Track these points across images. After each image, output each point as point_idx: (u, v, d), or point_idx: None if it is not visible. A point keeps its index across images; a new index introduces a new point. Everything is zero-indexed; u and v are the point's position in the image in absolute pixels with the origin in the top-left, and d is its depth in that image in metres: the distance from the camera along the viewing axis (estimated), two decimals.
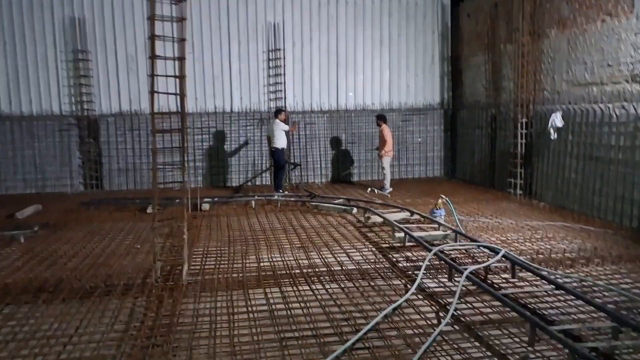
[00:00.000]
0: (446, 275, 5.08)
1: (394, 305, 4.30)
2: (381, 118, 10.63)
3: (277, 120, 10.13)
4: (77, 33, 10.79)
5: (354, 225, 7.60)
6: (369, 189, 10.71)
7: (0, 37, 10.59)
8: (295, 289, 4.82)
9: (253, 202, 9.05)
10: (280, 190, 10.26)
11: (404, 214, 7.83)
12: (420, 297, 4.61)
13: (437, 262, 5.39)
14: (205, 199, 9.04)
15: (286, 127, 10.21)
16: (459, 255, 5.86)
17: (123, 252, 6.07)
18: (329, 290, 4.79)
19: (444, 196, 7.46)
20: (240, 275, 5.22)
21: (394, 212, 8.03)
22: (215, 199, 9.25)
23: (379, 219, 7.49)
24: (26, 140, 10.71)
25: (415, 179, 12.47)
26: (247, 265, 5.61)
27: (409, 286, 4.80)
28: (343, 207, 8.51)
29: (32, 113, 10.79)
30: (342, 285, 4.90)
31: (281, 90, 11.83)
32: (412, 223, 7.54)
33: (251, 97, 11.85)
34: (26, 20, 10.65)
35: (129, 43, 11.14)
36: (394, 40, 12.36)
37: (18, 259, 5.80)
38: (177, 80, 4.98)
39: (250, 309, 4.32)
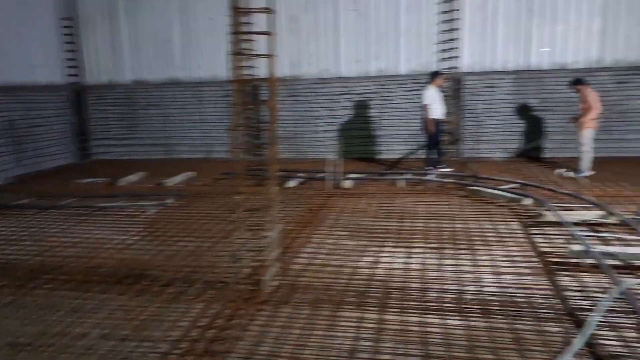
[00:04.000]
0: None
1: None
2: (577, 82, 8.20)
3: (429, 87, 8.55)
4: None
5: (522, 221, 5.84)
6: (559, 170, 8.48)
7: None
8: (401, 317, 3.56)
9: (400, 182, 7.77)
10: (442, 166, 8.75)
11: (596, 213, 5.74)
12: None
13: (626, 305, 3.54)
14: (350, 175, 8.09)
15: (425, 100, 8.53)
16: None
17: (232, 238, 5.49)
18: (450, 325, 3.42)
19: None
20: (343, 283, 4.16)
21: (582, 207, 5.99)
22: (360, 176, 8.24)
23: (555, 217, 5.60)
24: (195, 105, 11.11)
25: (631, 159, 9.58)
26: (359, 269, 4.51)
27: (572, 338, 3.17)
28: (510, 195, 6.70)
29: (200, 79, 11.11)
30: (467, 322, 3.47)
31: (456, 48, 10.06)
32: (607, 228, 5.47)
33: (420, 57, 10.35)
34: None
35: (291, 1, 10.57)
36: None
37: (134, 235, 5.67)
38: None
39: (325, 341, 3.24)
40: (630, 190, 7.04)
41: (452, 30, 10.01)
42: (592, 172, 8.13)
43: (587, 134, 8.17)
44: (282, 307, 3.74)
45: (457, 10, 9.89)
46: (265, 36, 3.79)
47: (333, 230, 5.66)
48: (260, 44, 4.20)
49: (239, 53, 3.76)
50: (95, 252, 5.12)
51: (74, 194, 7.73)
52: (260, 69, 10.63)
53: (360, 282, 4.19)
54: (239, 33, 3.74)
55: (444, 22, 10.06)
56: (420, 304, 3.75)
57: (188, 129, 11.28)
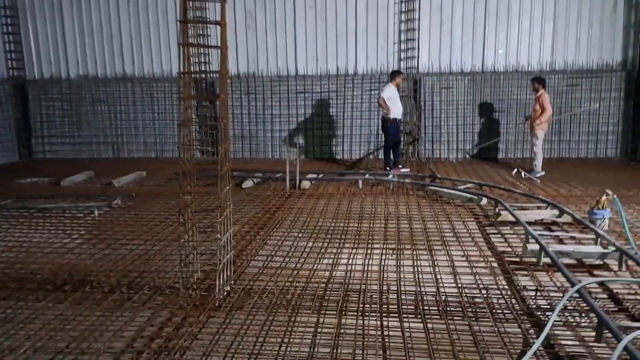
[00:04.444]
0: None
1: None
2: (539, 81, 8.38)
3: (389, 85, 8.51)
4: None
5: (479, 221, 5.85)
6: (515, 171, 8.62)
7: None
8: (359, 322, 3.42)
9: (360, 182, 7.69)
10: (400, 166, 8.73)
11: (551, 212, 5.81)
12: None
13: (585, 304, 3.52)
14: (308, 175, 7.94)
15: (384, 94, 8.44)
16: (625, 294, 3.85)
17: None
18: (407, 329, 3.30)
19: (610, 192, 5.28)
20: (300, 288, 3.99)
21: (537, 207, 6.05)
22: (319, 176, 8.11)
23: (512, 217, 5.62)
24: (146, 101, 10.68)
25: (580, 160, 9.90)
26: (317, 271, 4.35)
27: (531, 340, 3.12)
28: (469, 195, 6.72)
29: (153, 74, 10.69)
30: (427, 324, 3.36)
31: (414, 48, 10.09)
32: (561, 227, 5.55)
33: (379, 56, 10.32)
34: None
35: None
36: None
37: (76, 239, 5.31)
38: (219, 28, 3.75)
39: (280, 349, 3.06)
40: (580, 190, 7.21)
41: (410, 30, 10.03)
42: (544, 173, 8.31)
43: (541, 135, 8.34)
44: (236, 314, 3.53)
45: (415, 11, 9.92)
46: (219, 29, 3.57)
47: (290, 232, 5.49)
48: (215, 39, 3.98)
49: (189, 44, 3.53)
50: (32, 257, 4.74)
51: (13, 194, 7.23)
52: (214, 64, 10.26)
53: (319, 284, 4.03)
54: (189, 22, 3.50)
55: (402, 22, 10.07)
56: (379, 306, 3.63)
57: (139, 126, 10.85)
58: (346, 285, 4.00)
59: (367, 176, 8.00)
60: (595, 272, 4.27)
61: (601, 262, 4.42)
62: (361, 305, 3.64)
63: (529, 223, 5.29)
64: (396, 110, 8.46)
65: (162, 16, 10.49)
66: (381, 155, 10.25)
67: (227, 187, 3.84)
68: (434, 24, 10.05)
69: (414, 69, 10.07)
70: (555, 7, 9.76)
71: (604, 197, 5.28)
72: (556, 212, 5.76)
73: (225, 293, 3.82)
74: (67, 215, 6.17)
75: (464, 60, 10.12)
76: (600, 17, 9.68)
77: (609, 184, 7.14)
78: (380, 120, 8.90)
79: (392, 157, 8.76)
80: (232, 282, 4.01)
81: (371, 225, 5.71)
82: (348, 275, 4.23)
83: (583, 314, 3.45)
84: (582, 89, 9.83)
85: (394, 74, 8.69)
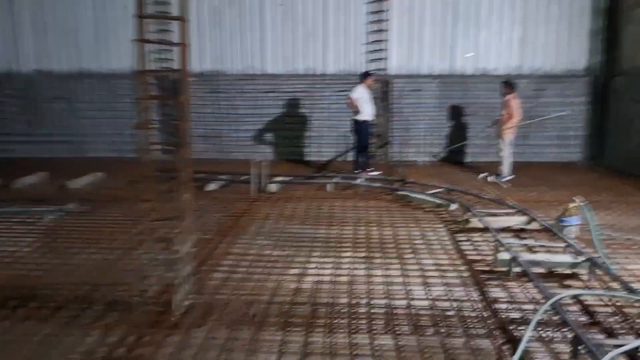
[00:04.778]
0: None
1: None
2: (509, 85, 8.37)
3: (360, 85, 8.37)
4: None
5: (449, 227, 5.75)
6: (482, 175, 8.60)
7: None
8: (326, 339, 3.24)
9: (329, 186, 7.52)
10: (369, 169, 8.59)
11: (520, 219, 5.75)
12: None
13: (558, 318, 3.43)
14: (276, 178, 7.71)
15: (353, 94, 8.30)
16: (596, 306, 3.78)
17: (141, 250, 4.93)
18: (377, 346, 3.14)
19: (578, 199, 5.24)
20: (264, 302, 3.77)
21: (506, 213, 5.99)
22: (287, 179, 7.89)
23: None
24: (108, 99, 10.24)
25: (547, 164, 9.98)
26: (284, 282, 4.14)
27: (505, 358, 3.00)
28: (438, 200, 6.63)
29: (113, 71, 10.25)
30: (398, 342, 3.21)
31: (384, 49, 9.97)
32: (530, 234, 5.50)
33: (348, 57, 10.17)
34: None
35: None
36: None
37: (25, 247, 4.94)
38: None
39: None
40: (546, 194, 7.23)
41: (380, 31, 9.92)
42: (513, 176, 8.32)
43: (509, 140, 8.34)
44: (196, 332, 3.29)
45: (385, 11, 9.81)
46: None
47: (256, 239, 5.26)
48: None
49: (145, 40, 3.26)
50: None
51: None
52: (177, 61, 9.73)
53: (285, 298, 3.83)
54: (146, 17, 3.23)
55: (372, 23, 9.95)
56: (348, 322, 3.45)
57: (99, 125, 10.38)
58: (314, 299, 3.81)
59: (336, 179, 7.83)
60: (566, 282, 4.21)
61: (571, 272, 4.36)
62: (329, 321, 3.46)
63: (499, 230, 5.21)
64: (367, 112, 8.32)
65: (124, 11, 10.06)
66: (350, 158, 10.13)
67: (187, 195, 3.60)
68: (404, 25, 9.98)
69: (384, 71, 9.96)
70: (524, 10, 9.81)
71: (572, 204, 5.25)
72: (526, 218, 5.70)
73: (184, 309, 3.57)
74: (16, 221, 5.75)
75: (433, 63, 10.08)
76: (568, 22, 9.79)
77: (575, 188, 7.17)
78: (351, 122, 8.75)
79: (362, 159, 8.62)
80: (192, 295, 3.76)
81: (340, 231, 5.54)
82: (316, 287, 4.04)
83: (556, 328, 3.36)
84: (549, 94, 9.91)
85: (365, 75, 8.56)
